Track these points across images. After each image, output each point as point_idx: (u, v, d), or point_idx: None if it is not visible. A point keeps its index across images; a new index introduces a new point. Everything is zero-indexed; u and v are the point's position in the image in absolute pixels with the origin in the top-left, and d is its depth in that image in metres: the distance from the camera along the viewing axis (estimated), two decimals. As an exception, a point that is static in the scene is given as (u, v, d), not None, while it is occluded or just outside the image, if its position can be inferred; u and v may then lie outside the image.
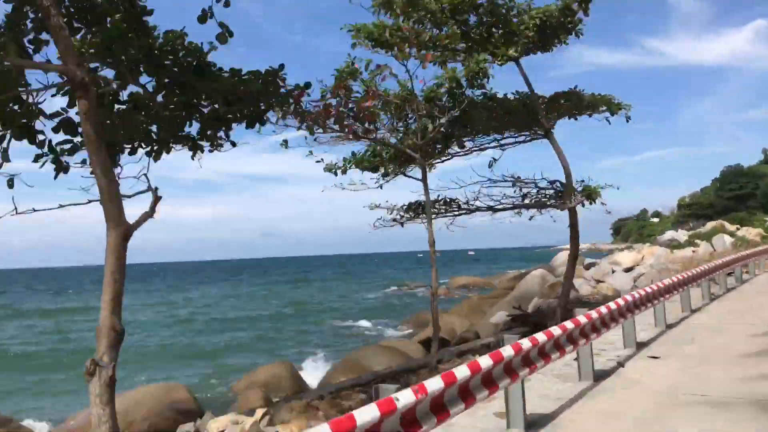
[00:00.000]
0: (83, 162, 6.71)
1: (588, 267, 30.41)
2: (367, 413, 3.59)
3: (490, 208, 15.73)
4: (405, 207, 15.53)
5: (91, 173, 6.17)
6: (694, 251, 31.47)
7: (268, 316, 38.92)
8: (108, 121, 6.57)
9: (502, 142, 15.75)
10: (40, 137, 6.57)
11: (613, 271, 27.93)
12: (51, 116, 6.45)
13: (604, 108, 16.20)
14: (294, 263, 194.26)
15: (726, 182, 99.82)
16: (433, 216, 15.56)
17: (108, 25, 6.21)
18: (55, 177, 6.77)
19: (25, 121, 6.38)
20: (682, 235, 35.83)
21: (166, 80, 6.44)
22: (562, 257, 41.40)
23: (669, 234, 35.77)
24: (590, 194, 14.64)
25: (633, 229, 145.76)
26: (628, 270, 28.06)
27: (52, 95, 6.35)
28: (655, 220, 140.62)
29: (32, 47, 6.26)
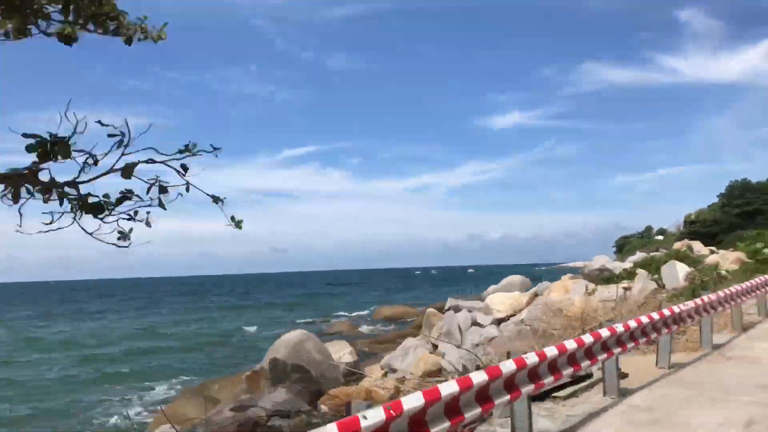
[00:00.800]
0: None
1: (458, 310, 18.88)
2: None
3: None
4: None
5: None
6: (627, 289, 19.94)
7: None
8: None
9: None
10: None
11: (474, 325, 16.58)
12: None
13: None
14: (299, 278, 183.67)
15: (733, 197, 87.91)
16: None
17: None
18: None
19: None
20: (626, 263, 24.08)
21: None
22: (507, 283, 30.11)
23: (600, 260, 24.13)
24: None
25: (636, 247, 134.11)
26: (501, 322, 16.77)
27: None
28: (660, 237, 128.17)
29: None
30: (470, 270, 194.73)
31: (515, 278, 32.90)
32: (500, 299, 17.82)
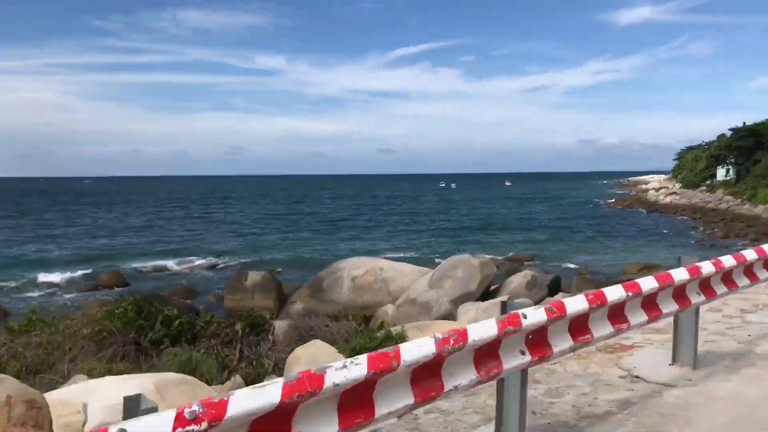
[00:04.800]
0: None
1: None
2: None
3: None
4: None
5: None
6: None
7: None
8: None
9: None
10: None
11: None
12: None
13: None
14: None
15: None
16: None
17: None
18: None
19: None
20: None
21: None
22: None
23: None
24: None
25: (687, 163, 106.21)
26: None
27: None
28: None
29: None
30: (507, 183, 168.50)
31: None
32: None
